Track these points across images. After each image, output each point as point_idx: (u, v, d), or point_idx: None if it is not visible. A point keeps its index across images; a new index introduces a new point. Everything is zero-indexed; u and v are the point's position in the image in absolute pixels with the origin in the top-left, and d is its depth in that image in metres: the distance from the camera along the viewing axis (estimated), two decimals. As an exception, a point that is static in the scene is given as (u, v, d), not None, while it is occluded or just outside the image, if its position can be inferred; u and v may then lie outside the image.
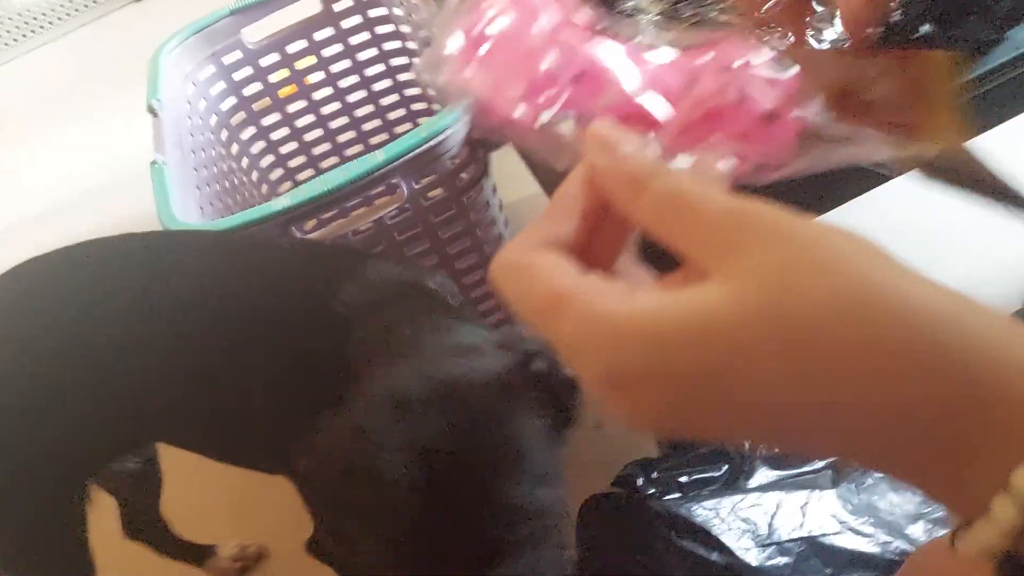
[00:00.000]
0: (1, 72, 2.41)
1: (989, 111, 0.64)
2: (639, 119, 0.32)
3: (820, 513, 0.84)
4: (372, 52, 1.17)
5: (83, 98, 2.14)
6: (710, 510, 0.84)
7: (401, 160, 0.77)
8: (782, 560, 0.81)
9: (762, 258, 0.23)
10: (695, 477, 0.88)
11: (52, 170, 1.95)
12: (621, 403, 0.24)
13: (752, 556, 0.81)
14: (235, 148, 1.15)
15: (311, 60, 1.14)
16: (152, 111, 0.93)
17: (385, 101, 1.22)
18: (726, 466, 0.89)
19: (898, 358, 0.22)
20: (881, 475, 0.92)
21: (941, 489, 0.23)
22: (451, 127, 0.78)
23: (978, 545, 0.22)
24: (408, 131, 1.25)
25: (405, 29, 1.13)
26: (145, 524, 0.92)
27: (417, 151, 0.77)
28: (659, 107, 0.33)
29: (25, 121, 2.17)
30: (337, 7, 1.11)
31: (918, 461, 0.23)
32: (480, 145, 0.88)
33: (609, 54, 0.34)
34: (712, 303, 0.23)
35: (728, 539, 0.82)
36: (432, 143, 0.78)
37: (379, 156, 0.76)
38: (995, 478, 0.22)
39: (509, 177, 0.98)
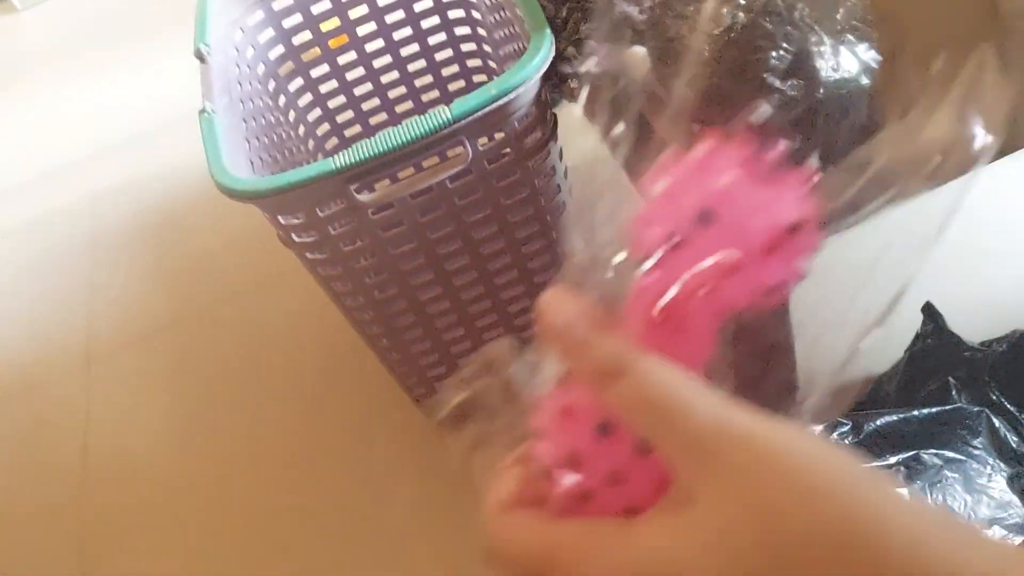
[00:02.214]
0: (38, 12, 2.37)
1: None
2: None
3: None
4: (428, 3, 1.11)
5: (123, 41, 2.10)
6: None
7: (470, 118, 0.71)
8: None
9: (747, 483, 0.23)
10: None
11: (87, 118, 1.91)
12: None
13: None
14: (282, 100, 1.10)
15: (363, 9, 1.08)
16: (200, 56, 0.88)
17: (440, 56, 1.17)
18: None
19: None
20: (956, 475, 0.87)
21: None
22: (523, 85, 0.73)
23: None
24: (461, 89, 1.21)
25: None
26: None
27: (487, 108, 0.72)
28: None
29: (62, 64, 2.13)
30: (394, -46, 1.05)
31: None
32: (550, 106, 0.82)
33: None
34: (700, 536, 0.23)
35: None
36: (503, 101, 0.72)
37: (447, 112, 0.71)
38: None
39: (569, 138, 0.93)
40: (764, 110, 0.29)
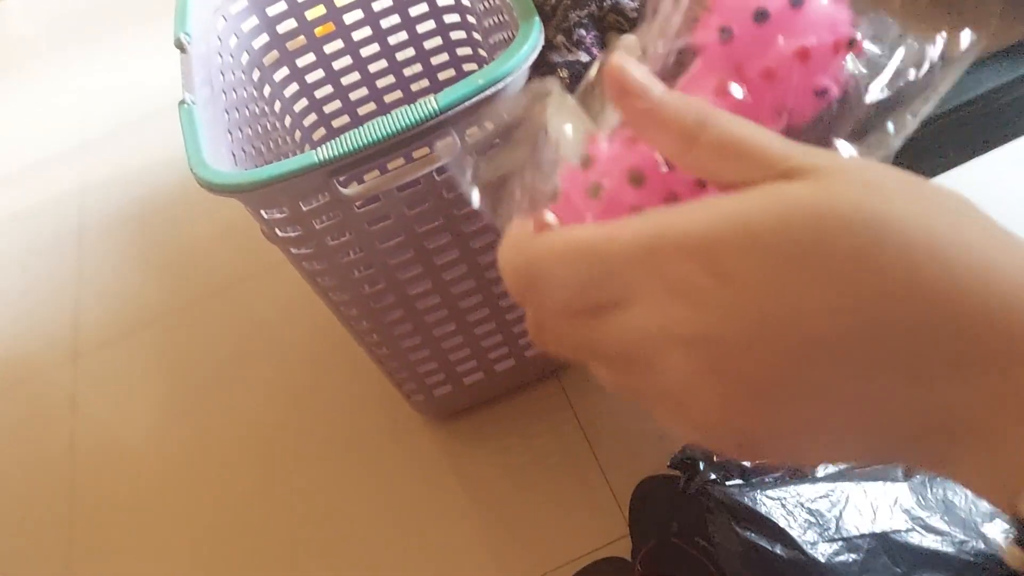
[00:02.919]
0: (23, 2, 2.33)
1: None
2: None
3: (891, 507, 0.79)
4: (416, -10, 1.09)
5: (109, 31, 2.07)
6: (775, 500, 0.79)
7: (458, 108, 0.69)
8: (850, 557, 0.76)
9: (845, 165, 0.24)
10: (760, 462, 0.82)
11: (73, 108, 1.88)
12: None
13: (819, 551, 0.76)
14: (267, 90, 1.08)
15: (351, -4, 1.06)
16: (180, 46, 0.85)
17: (428, 44, 1.14)
18: (792, 452, 0.83)
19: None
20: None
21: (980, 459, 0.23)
22: (511, 74, 0.71)
23: None
24: (451, 78, 1.19)
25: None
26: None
27: (475, 99, 0.70)
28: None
29: (44, 56, 2.10)
30: (380, -61, 1.03)
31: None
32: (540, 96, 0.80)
33: None
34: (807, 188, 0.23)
35: (793, 532, 0.77)
36: (491, 91, 0.70)
37: (434, 103, 0.69)
38: None
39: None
40: None
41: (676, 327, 0.24)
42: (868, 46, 0.30)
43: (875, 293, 0.22)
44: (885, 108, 0.31)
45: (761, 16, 0.29)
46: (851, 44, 0.30)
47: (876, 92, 0.31)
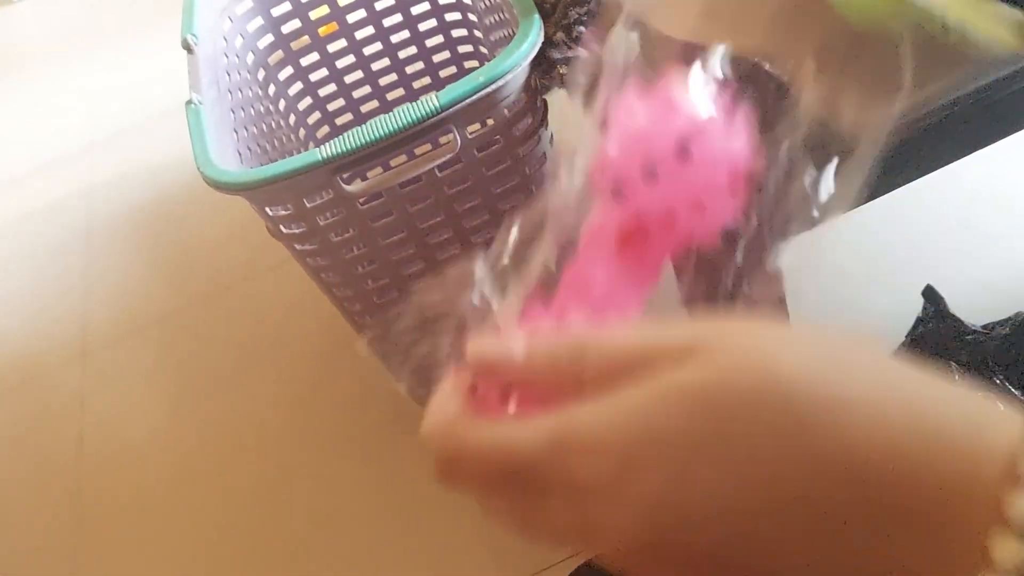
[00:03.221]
0: (31, 4, 2.35)
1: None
2: None
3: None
4: (418, -11, 1.10)
5: (117, 32, 2.08)
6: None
7: (458, 106, 0.70)
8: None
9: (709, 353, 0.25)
10: None
11: (79, 110, 1.89)
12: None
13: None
14: (272, 89, 1.09)
15: (354, -5, 1.07)
16: (187, 47, 0.87)
17: (430, 42, 1.15)
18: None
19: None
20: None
21: None
22: (511, 72, 0.71)
23: None
24: (453, 75, 1.20)
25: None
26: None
27: (476, 96, 0.71)
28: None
29: (51, 58, 2.11)
30: (382, -61, 1.04)
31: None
32: (539, 92, 0.81)
33: None
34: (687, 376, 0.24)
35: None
36: (491, 88, 0.71)
37: (435, 100, 0.70)
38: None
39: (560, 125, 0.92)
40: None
41: (593, 521, 0.25)
42: (772, 165, 0.31)
43: (771, 469, 0.23)
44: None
45: (649, 172, 0.30)
46: (749, 170, 0.30)
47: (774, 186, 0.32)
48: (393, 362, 0.31)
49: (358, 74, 1.16)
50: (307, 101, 1.16)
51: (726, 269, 0.33)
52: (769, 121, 0.32)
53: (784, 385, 0.23)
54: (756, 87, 0.32)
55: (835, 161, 0.32)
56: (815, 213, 0.31)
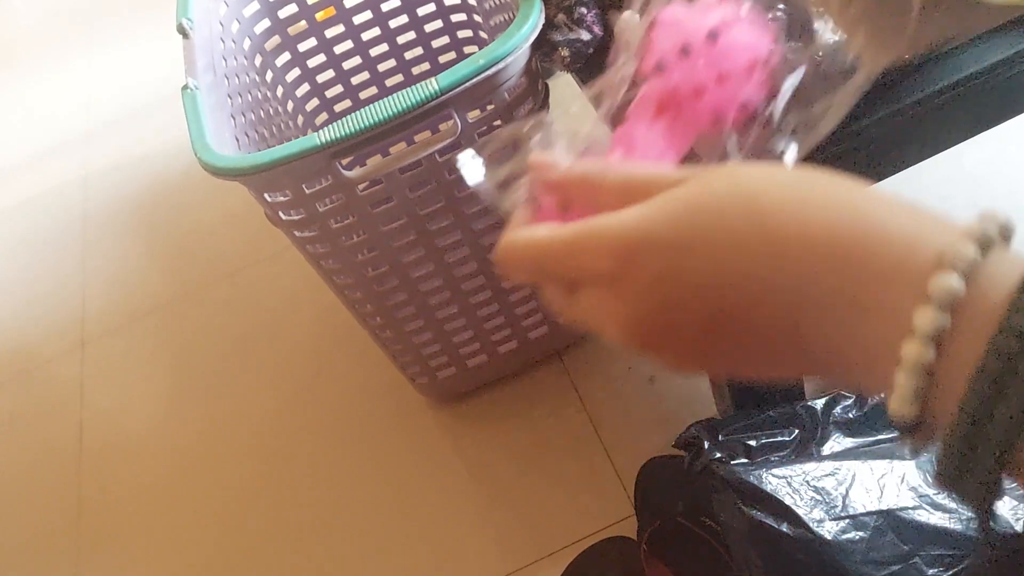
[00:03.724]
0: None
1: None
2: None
3: (898, 485, 0.79)
4: (416, -28, 1.08)
5: (107, 21, 2.07)
6: (781, 478, 0.78)
7: (458, 89, 0.69)
8: (856, 534, 0.76)
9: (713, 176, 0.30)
10: (764, 442, 0.82)
11: (75, 97, 1.88)
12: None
13: (825, 529, 0.76)
14: (270, 75, 1.07)
15: (351, -20, 1.06)
16: (183, 32, 0.85)
17: (429, 27, 1.14)
18: (797, 431, 0.84)
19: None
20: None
21: (854, 361, 0.27)
22: (511, 54, 0.70)
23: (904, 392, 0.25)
24: (452, 60, 1.18)
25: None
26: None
27: (475, 80, 0.70)
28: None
29: (48, 46, 2.10)
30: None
31: (822, 332, 0.27)
32: (540, 76, 0.80)
33: None
34: (683, 195, 0.30)
35: (800, 510, 0.77)
36: (491, 71, 0.70)
37: (435, 84, 0.69)
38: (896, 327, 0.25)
39: (562, 108, 0.91)
40: None
41: (608, 314, 0.31)
42: (788, 51, 0.39)
43: (747, 255, 0.28)
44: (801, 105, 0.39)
45: (684, 51, 0.38)
46: (766, 61, 0.38)
47: (790, 87, 0.39)
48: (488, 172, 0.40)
49: (356, 60, 1.15)
50: (305, 87, 1.15)
51: (740, 145, 0.40)
52: (792, 33, 0.40)
53: (755, 192, 0.28)
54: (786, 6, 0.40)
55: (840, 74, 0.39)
56: (818, 117, 0.39)
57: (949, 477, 0.25)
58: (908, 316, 0.24)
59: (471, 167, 0.40)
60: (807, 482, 0.78)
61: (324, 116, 1.18)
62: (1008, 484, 0.24)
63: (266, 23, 1.05)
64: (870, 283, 0.25)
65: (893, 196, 0.27)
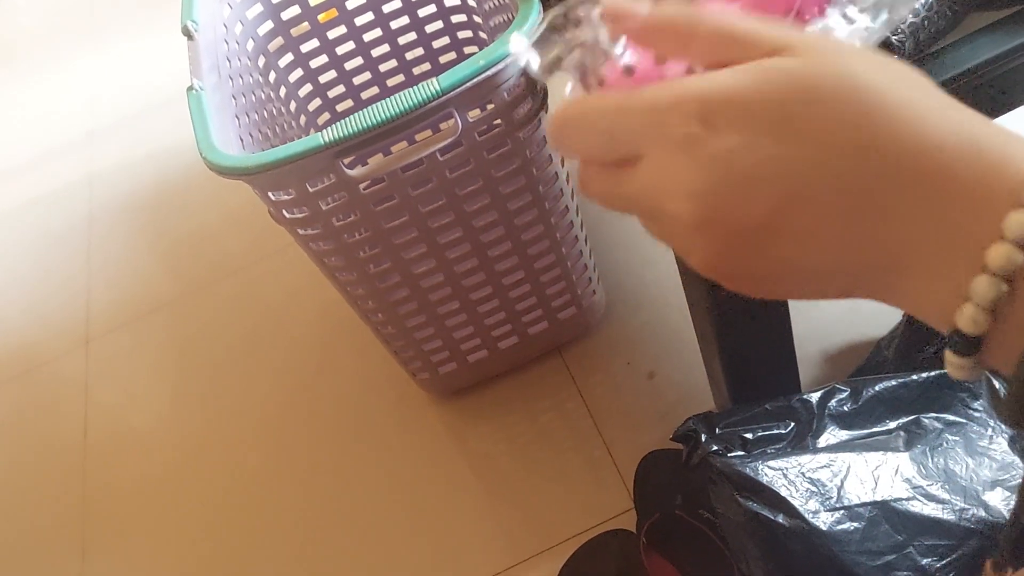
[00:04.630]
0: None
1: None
2: None
3: (892, 477, 0.80)
4: (417, -26, 1.10)
5: (111, 21, 2.08)
6: (777, 470, 0.80)
7: (459, 90, 0.71)
8: (851, 525, 0.77)
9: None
10: (760, 434, 0.84)
11: (80, 97, 1.89)
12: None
13: (820, 520, 0.77)
14: (272, 76, 1.09)
15: (353, -18, 1.07)
16: (187, 33, 0.87)
17: (430, 28, 1.15)
18: (793, 424, 0.85)
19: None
20: (957, 438, 0.87)
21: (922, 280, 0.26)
22: (511, 55, 0.72)
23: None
24: (453, 61, 1.20)
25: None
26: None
27: (476, 80, 0.71)
28: None
29: (52, 46, 2.11)
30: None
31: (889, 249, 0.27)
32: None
33: None
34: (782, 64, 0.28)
35: (795, 501, 0.78)
36: (491, 72, 0.72)
37: (436, 84, 0.70)
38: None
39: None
40: None
41: (674, 181, 0.28)
42: None
43: (837, 147, 0.26)
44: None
45: None
46: None
47: None
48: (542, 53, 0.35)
49: (358, 60, 1.16)
50: (308, 88, 1.16)
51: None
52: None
53: (860, 83, 0.27)
54: None
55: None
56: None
57: (1019, 408, 0.24)
58: (999, 220, 0.24)
59: (524, 52, 0.36)
60: (803, 474, 0.80)
61: (327, 116, 1.20)
62: None
63: (269, 25, 1.06)
64: (967, 184, 0.25)
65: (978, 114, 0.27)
